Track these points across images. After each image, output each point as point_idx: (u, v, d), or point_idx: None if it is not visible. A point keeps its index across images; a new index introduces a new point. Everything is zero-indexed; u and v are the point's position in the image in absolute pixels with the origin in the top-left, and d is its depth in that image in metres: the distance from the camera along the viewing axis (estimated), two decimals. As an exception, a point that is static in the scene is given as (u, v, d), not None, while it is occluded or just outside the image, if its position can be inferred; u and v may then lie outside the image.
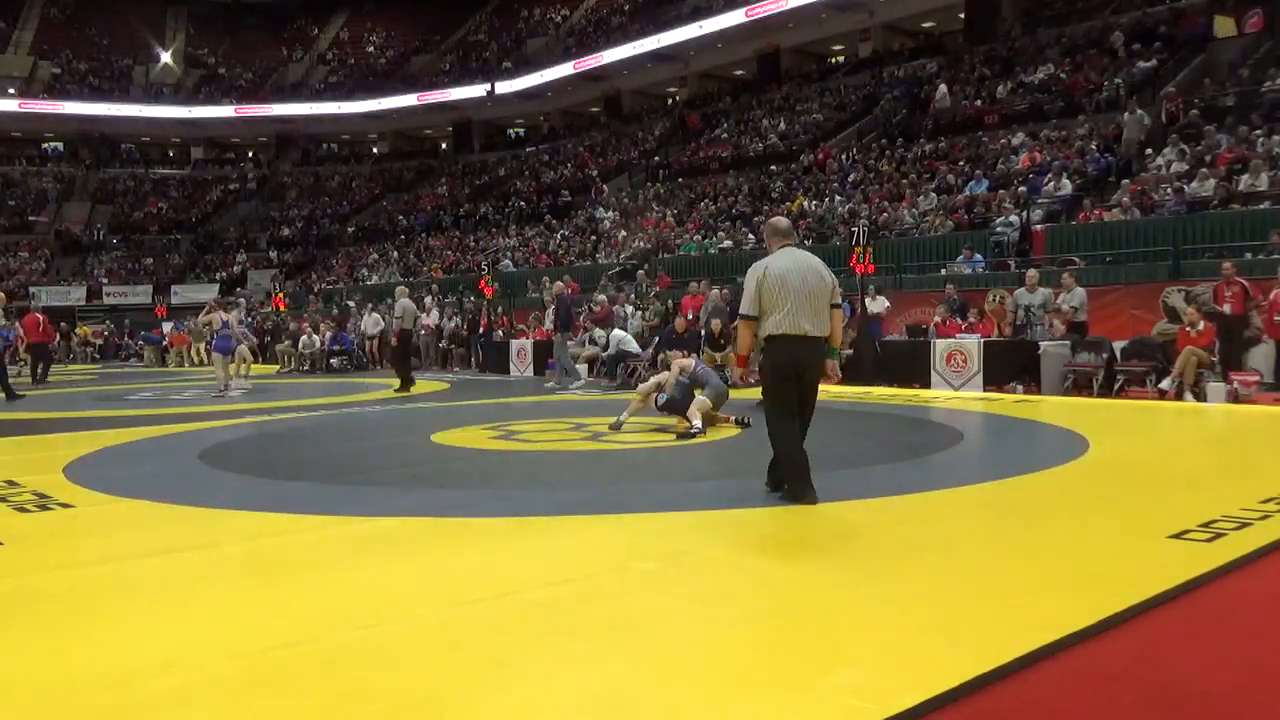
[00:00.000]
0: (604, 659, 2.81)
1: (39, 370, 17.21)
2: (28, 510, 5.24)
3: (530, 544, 4.34)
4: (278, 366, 20.65)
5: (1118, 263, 14.53)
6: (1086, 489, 5.47)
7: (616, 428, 8.31)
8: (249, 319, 21.48)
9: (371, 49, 50.23)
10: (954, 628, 3.00)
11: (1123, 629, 3.01)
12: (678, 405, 8.13)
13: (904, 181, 21.02)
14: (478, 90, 42.01)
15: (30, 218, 42.02)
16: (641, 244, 25.19)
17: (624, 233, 27.15)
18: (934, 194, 19.75)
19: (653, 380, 8.72)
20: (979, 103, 23.51)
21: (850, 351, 12.44)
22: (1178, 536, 4.07)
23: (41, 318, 17.15)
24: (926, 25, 31.93)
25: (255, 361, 18.70)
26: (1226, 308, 10.97)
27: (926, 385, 12.10)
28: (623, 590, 3.54)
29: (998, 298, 12.76)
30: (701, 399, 8.12)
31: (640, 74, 38.16)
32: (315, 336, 20.47)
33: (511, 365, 17.68)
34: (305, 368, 20.03)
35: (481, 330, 19.11)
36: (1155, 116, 18.50)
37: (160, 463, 7.12)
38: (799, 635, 3.02)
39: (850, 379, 11.96)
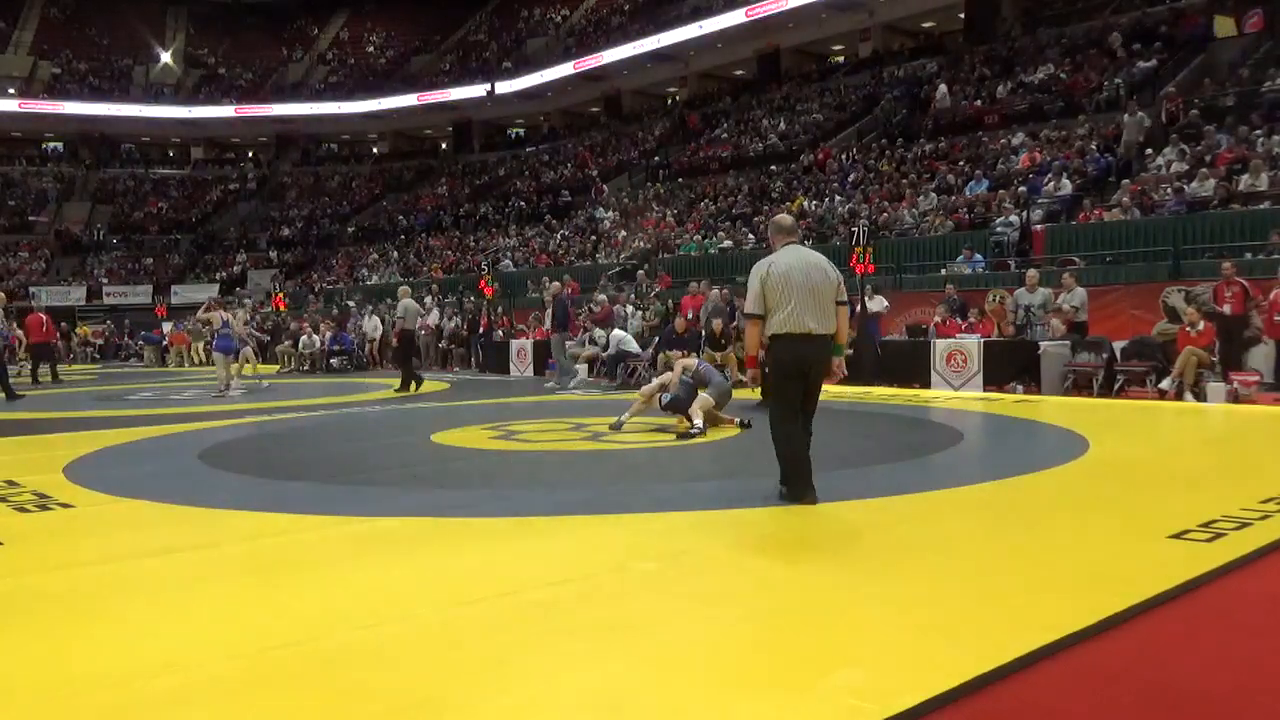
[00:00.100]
0: (604, 659, 2.81)
1: (39, 370, 17.22)
2: (28, 510, 5.24)
3: (530, 544, 4.34)
4: (278, 367, 20.65)
5: (1118, 263, 14.53)
6: (1086, 489, 5.47)
7: (617, 428, 8.31)
8: (253, 319, 21.47)
9: (371, 49, 50.23)
10: (954, 628, 3.00)
11: (1123, 629, 3.01)
12: (682, 405, 8.13)
13: (904, 181, 21.03)
14: (478, 90, 42.01)
15: (30, 218, 42.01)
16: (641, 244, 25.19)
17: (624, 233, 27.15)
18: (934, 194, 19.76)
19: (656, 381, 8.73)
20: (979, 103, 23.51)
21: (850, 351, 12.44)
22: (1178, 536, 4.07)
23: (45, 318, 17.26)
24: (926, 25, 31.93)
25: (260, 362, 18.71)
26: (1226, 308, 10.97)
27: (926, 385, 12.10)
28: (623, 590, 3.54)
29: (998, 298, 12.76)
30: (704, 397, 8.12)
31: (640, 74, 38.16)
32: (315, 336, 20.47)
33: (511, 365, 17.68)
34: (305, 368, 20.04)
35: (481, 330, 19.11)
36: (1155, 116, 18.50)
37: (160, 463, 7.12)
38: (799, 635, 3.02)
39: (850, 379, 11.94)
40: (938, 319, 13.22)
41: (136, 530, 4.78)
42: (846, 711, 2.40)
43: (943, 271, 16.33)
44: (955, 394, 11.49)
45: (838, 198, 22.06)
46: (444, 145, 47.76)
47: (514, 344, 17.94)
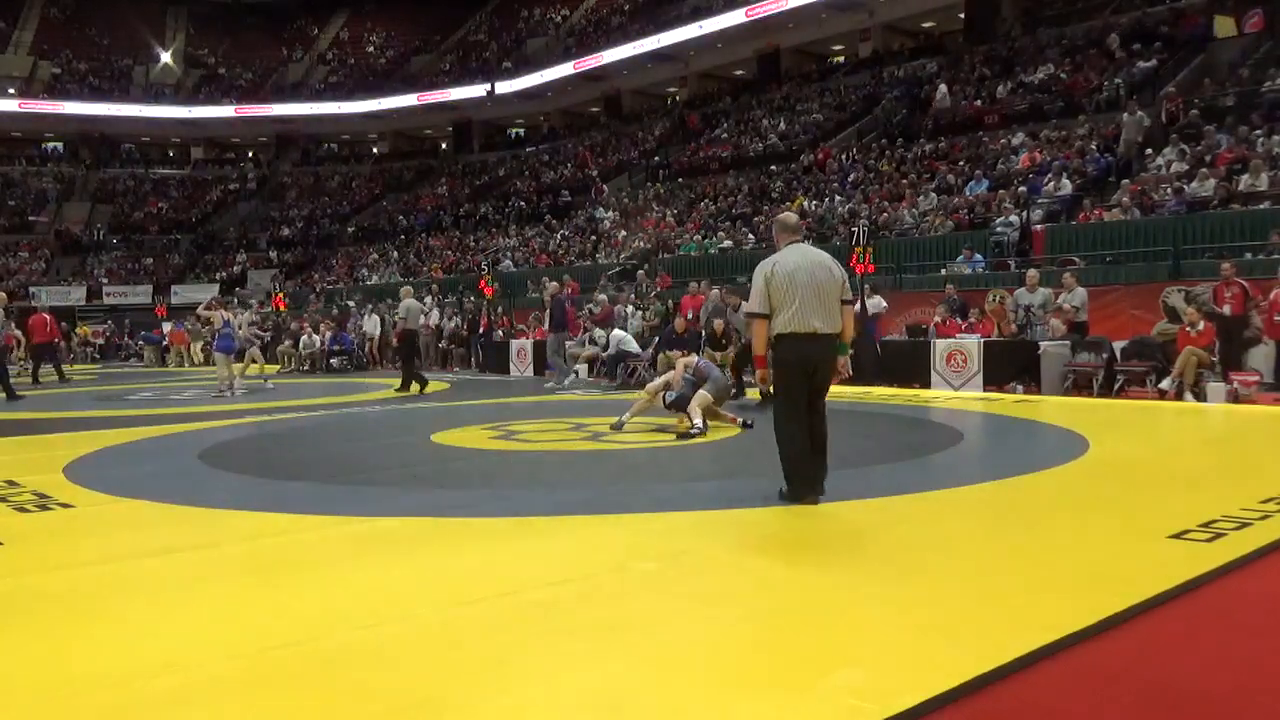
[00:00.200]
0: (604, 659, 2.81)
1: (42, 370, 17.26)
2: (28, 510, 5.24)
3: (530, 544, 4.34)
4: (278, 367, 20.65)
5: (1118, 263, 14.53)
6: (1086, 489, 5.47)
7: (618, 428, 8.31)
8: (257, 318, 21.48)
9: (371, 49, 50.23)
10: (954, 628, 3.00)
11: (1123, 629, 3.01)
12: (685, 402, 8.15)
13: (904, 181, 21.03)
14: (478, 90, 42.01)
15: (30, 218, 42.01)
16: (641, 244, 25.19)
17: (624, 233, 27.15)
18: (934, 194, 19.76)
19: (660, 379, 8.75)
20: (979, 103, 23.51)
21: (851, 351, 12.44)
22: (1178, 536, 4.07)
23: (49, 318, 17.41)
24: (926, 25, 31.93)
25: (264, 362, 18.71)
26: (1226, 309, 10.96)
27: (926, 385, 12.10)
28: (623, 590, 3.54)
29: (998, 298, 12.76)
30: (702, 394, 8.12)
31: (640, 74, 38.16)
32: (315, 336, 20.48)
33: (511, 365, 17.68)
34: (305, 368, 20.04)
35: (481, 330, 19.11)
36: (1155, 116, 18.50)
37: (160, 463, 7.12)
38: (799, 635, 3.02)
39: (850, 379, 11.97)
40: (938, 319, 13.22)
41: (136, 530, 4.78)
42: (846, 711, 2.40)
43: (943, 271, 16.33)
44: (955, 394, 11.49)
45: (838, 198, 22.06)
46: (444, 145, 47.76)
47: (514, 344, 17.94)
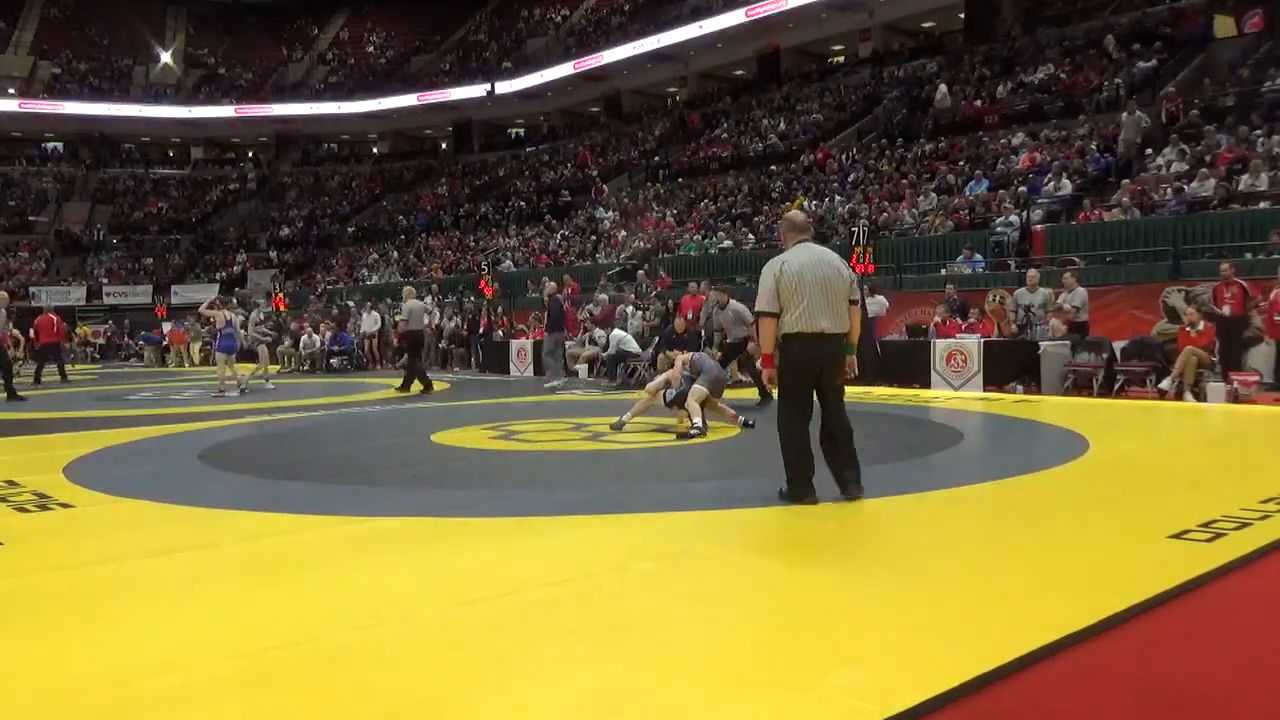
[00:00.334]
0: (604, 659, 2.81)
1: (45, 370, 17.31)
2: (28, 510, 5.24)
3: (530, 544, 4.34)
4: (278, 367, 20.64)
5: (1118, 263, 14.53)
6: (1086, 489, 5.47)
7: (618, 427, 8.31)
8: (264, 318, 21.49)
9: (371, 49, 50.23)
10: (954, 628, 3.00)
11: (1123, 629, 3.01)
12: (685, 398, 8.15)
13: (904, 181, 21.03)
14: (478, 90, 42.01)
15: (30, 218, 42.01)
16: (641, 244, 25.19)
17: (624, 233, 27.15)
18: (934, 194, 19.76)
19: (661, 378, 8.76)
20: (979, 103, 23.51)
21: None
22: (1178, 536, 4.07)
23: (55, 318, 17.71)
24: (926, 25, 31.93)
25: (270, 362, 18.71)
26: (1226, 309, 10.96)
27: (926, 385, 12.10)
28: (623, 590, 3.54)
29: (998, 298, 12.76)
30: (698, 388, 8.09)
31: (640, 74, 38.16)
32: (315, 336, 20.48)
33: (511, 365, 17.68)
34: (305, 368, 20.04)
35: (481, 330, 19.10)
36: (1155, 116, 18.50)
37: (160, 463, 7.12)
38: (799, 635, 3.02)
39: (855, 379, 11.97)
40: (938, 319, 13.22)
41: (136, 530, 4.78)
42: (846, 711, 2.40)
43: (943, 271, 16.33)
44: (955, 394, 11.49)
45: (838, 198, 22.06)
46: (444, 145, 47.76)
47: (514, 344, 17.94)
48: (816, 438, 5.02)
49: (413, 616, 3.24)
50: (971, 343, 11.94)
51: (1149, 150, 17.62)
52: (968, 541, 4.21)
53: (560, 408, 11.07)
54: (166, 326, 26.65)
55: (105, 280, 38.72)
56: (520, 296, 23.05)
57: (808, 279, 4.84)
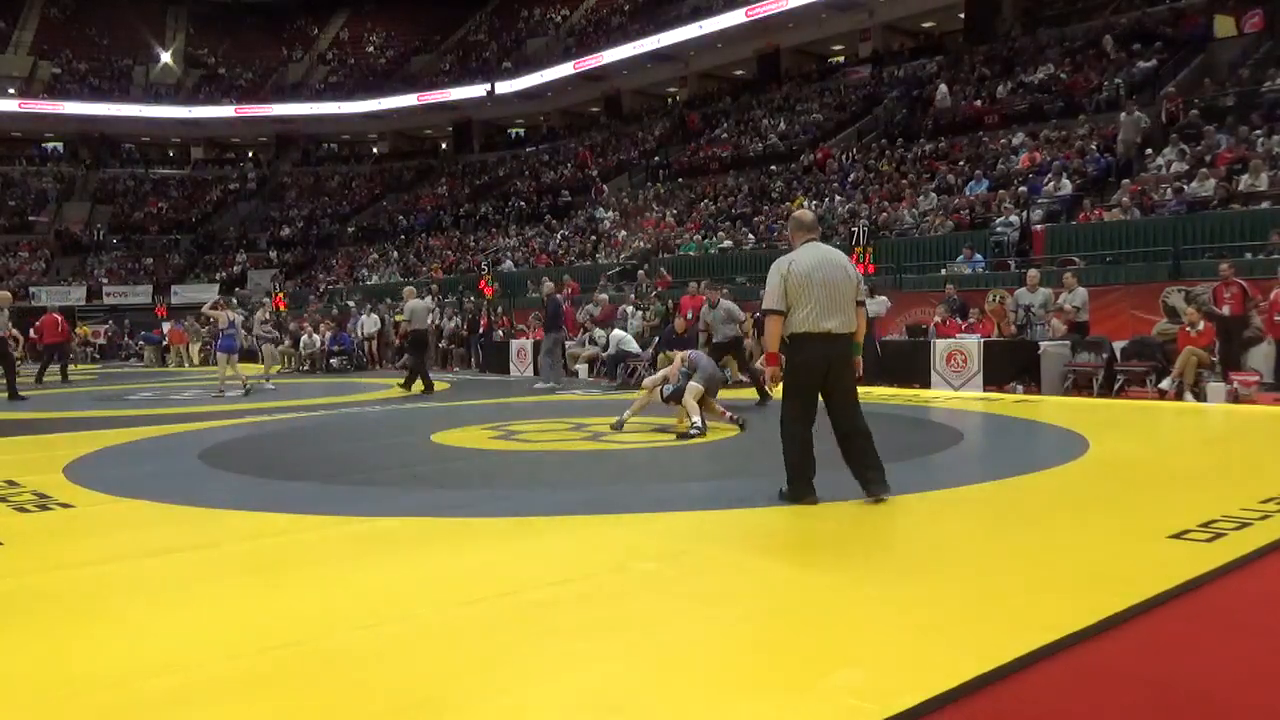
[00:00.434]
0: (604, 659, 2.81)
1: (48, 370, 17.35)
2: (28, 510, 5.24)
3: (530, 544, 4.34)
4: (278, 367, 20.64)
5: (1118, 263, 14.53)
6: (1086, 489, 5.47)
7: (618, 427, 8.32)
8: (269, 317, 21.50)
9: (371, 49, 50.23)
10: (954, 628, 3.00)
11: (1123, 629, 3.00)
12: (681, 394, 8.16)
13: (904, 181, 21.03)
14: (478, 90, 42.01)
15: (30, 218, 42.01)
16: (641, 244, 25.18)
17: (624, 233, 27.15)
18: (934, 194, 19.76)
19: (659, 374, 8.76)
20: (979, 103, 23.51)
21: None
22: (1178, 536, 4.07)
23: (60, 318, 17.86)
24: (926, 25, 31.94)
25: (275, 362, 18.70)
26: (1226, 309, 10.96)
27: (926, 385, 12.10)
28: (623, 590, 3.54)
29: (998, 298, 12.76)
30: (693, 385, 8.09)
31: (640, 74, 38.16)
32: (315, 336, 20.48)
33: (511, 365, 17.68)
34: (305, 368, 20.04)
35: (481, 330, 19.11)
36: (1155, 116, 18.50)
37: (160, 463, 7.12)
38: (799, 635, 3.02)
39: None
40: (938, 319, 13.22)
41: (136, 530, 4.78)
42: (846, 711, 2.40)
43: (943, 271, 16.32)
44: (955, 394, 11.49)
45: (838, 198, 22.05)
46: (444, 145, 47.77)
47: (514, 344, 17.94)
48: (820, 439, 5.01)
49: (413, 616, 3.24)
50: (971, 343, 11.94)
51: (1149, 150, 17.62)
52: (968, 541, 4.21)
53: (560, 408, 11.07)
54: (166, 326, 26.67)
55: (105, 280, 38.72)
56: (520, 296, 23.06)
57: (816, 279, 4.83)
